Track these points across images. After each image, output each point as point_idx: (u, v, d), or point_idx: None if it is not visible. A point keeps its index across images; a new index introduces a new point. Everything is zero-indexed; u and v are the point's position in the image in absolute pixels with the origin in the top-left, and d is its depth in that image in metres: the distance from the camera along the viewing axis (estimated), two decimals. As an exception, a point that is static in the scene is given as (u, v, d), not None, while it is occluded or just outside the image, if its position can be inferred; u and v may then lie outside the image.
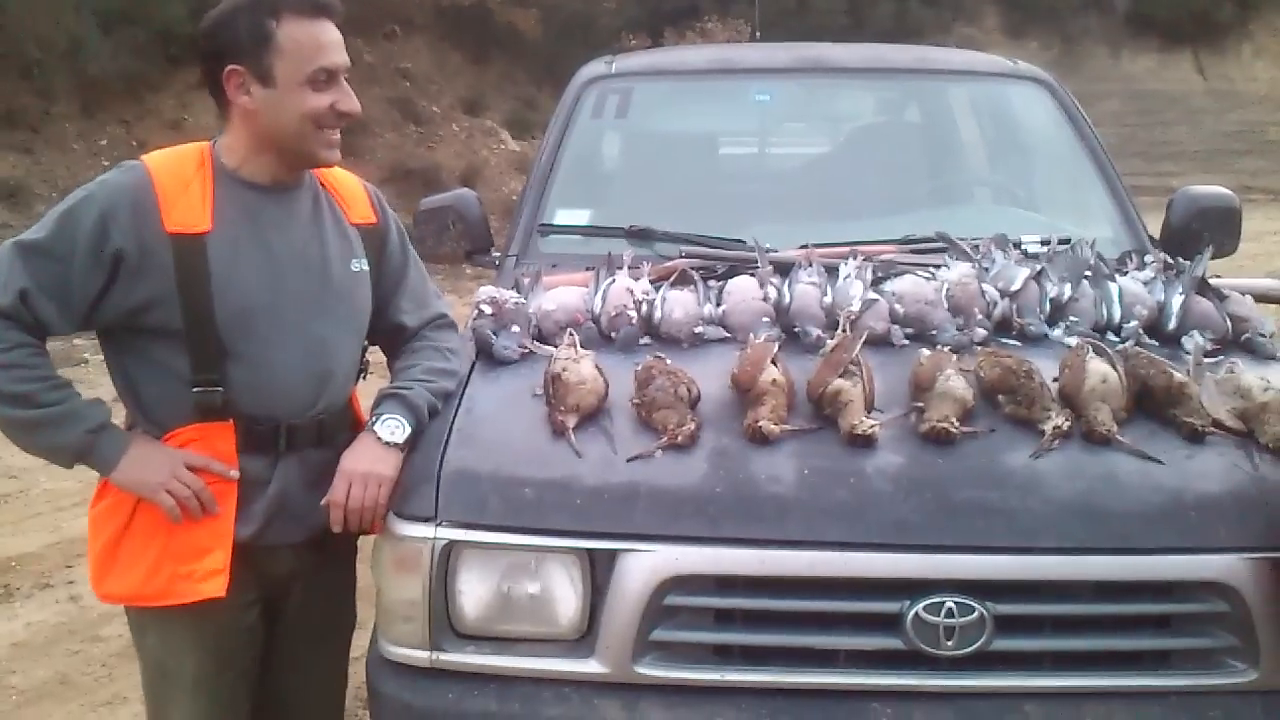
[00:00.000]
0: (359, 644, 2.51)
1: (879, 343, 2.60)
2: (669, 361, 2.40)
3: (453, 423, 2.35)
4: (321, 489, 2.26)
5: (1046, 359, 2.43)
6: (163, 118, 11.45)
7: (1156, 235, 3.45)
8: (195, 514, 2.16)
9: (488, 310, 2.71)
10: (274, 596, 2.37)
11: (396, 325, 2.49)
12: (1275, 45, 23.97)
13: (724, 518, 2.12)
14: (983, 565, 2.07)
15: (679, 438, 2.20)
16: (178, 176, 2.17)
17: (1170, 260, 2.98)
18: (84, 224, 2.09)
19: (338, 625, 2.53)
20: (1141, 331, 2.68)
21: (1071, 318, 2.71)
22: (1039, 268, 2.81)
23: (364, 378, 2.47)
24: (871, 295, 2.71)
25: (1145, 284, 2.84)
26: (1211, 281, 2.84)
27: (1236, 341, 2.70)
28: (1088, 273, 2.82)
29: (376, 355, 2.54)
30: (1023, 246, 3.03)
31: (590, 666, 2.13)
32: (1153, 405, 2.31)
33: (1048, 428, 2.21)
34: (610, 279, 2.85)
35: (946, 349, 2.48)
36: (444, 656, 2.17)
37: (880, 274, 2.84)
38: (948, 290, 2.73)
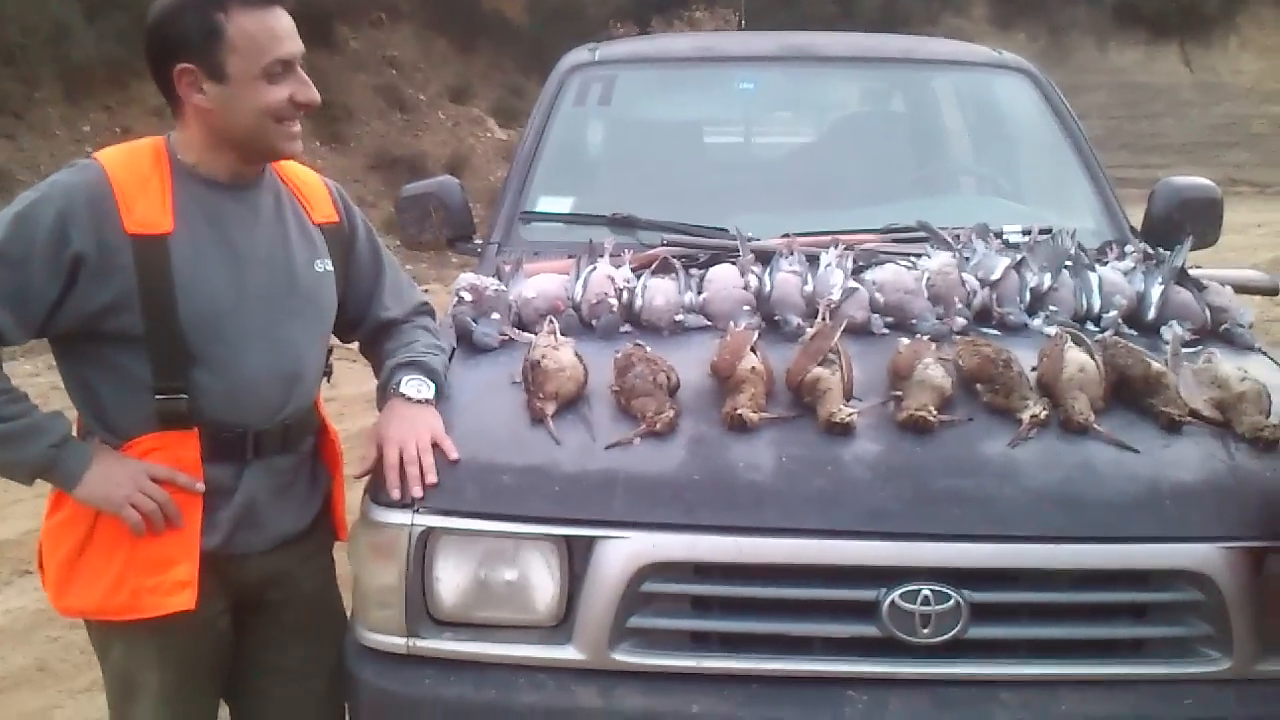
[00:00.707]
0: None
1: (859, 331, 2.60)
2: (649, 349, 2.40)
3: (432, 409, 2.34)
4: (288, 495, 2.24)
5: (1025, 348, 2.44)
6: (146, 104, 11.36)
7: (1140, 226, 3.46)
8: (159, 528, 2.08)
9: (468, 297, 2.71)
10: (246, 603, 2.30)
11: (384, 322, 2.46)
12: (1261, 38, 24.00)
13: (702, 505, 2.12)
14: (959, 553, 2.08)
15: (658, 425, 2.20)
16: (135, 174, 2.07)
17: (1150, 250, 2.99)
18: (40, 226, 1.98)
19: (325, 624, 2.42)
20: (1120, 321, 2.69)
21: (1051, 307, 2.73)
22: (1019, 257, 2.82)
23: (329, 380, 2.40)
24: (852, 284, 2.71)
25: (1125, 274, 2.85)
26: (1191, 272, 2.85)
27: (1215, 332, 2.71)
28: (1068, 262, 2.83)
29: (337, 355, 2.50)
30: (1004, 236, 3.03)
31: (567, 653, 2.13)
32: (1131, 395, 2.32)
33: (1025, 416, 2.22)
34: (591, 267, 2.84)
35: (926, 338, 2.48)
36: (421, 643, 2.17)
37: (861, 263, 2.84)
38: (928, 279, 2.74)
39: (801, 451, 2.19)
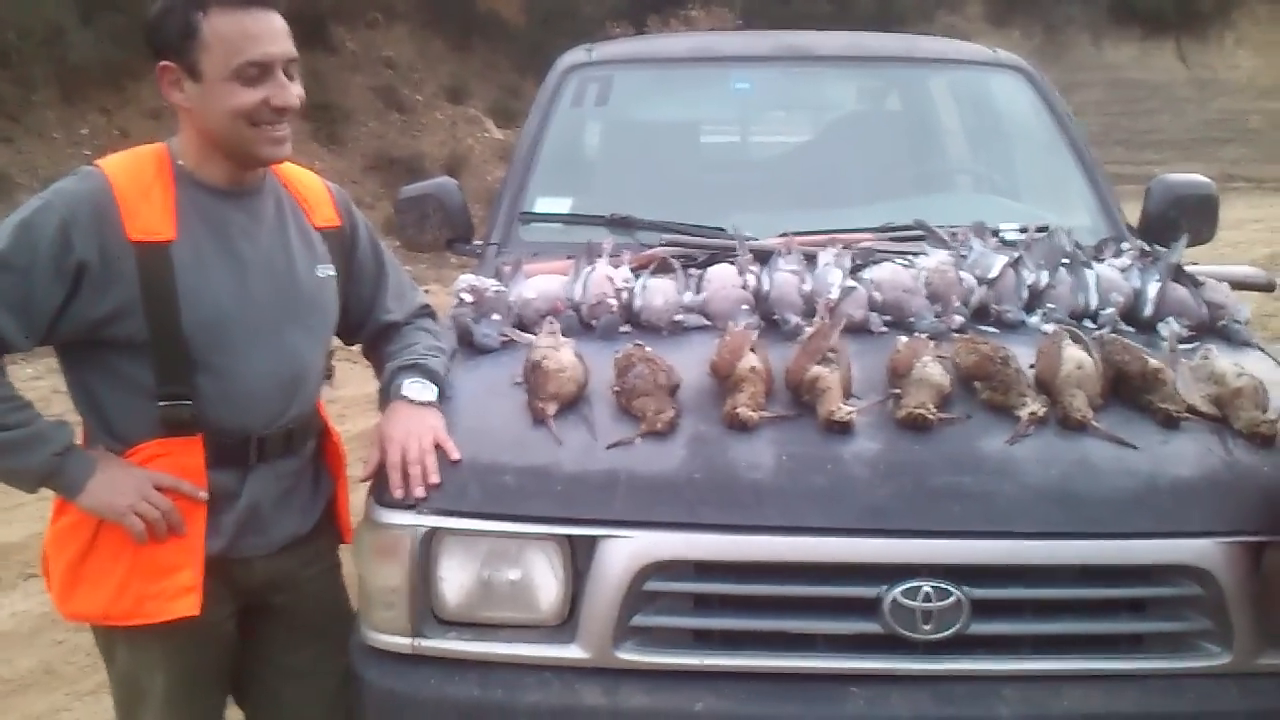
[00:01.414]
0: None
1: (857, 330, 2.61)
2: (649, 349, 2.41)
3: (434, 410, 2.35)
4: (291, 498, 2.25)
5: (1023, 346, 2.45)
6: (143, 106, 11.37)
7: (1136, 223, 3.47)
8: (162, 537, 2.08)
9: (468, 299, 2.71)
10: (252, 606, 2.30)
11: (386, 325, 2.47)
12: (1257, 34, 24.00)
13: (703, 504, 2.13)
14: (959, 550, 2.09)
15: (658, 425, 2.21)
16: (137, 182, 2.08)
17: (1147, 247, 3.00)
18: (44, 234, 1.98)
19: (334, 625, 2.41)
20: (1118, 318, 2.70)
21: (1048, 305, 2.73)
22: (1016, 255, 2.83)
23: (330, 383, 2.41)
24: (850, 283, 2.72)
25: (1122, 271, 2.86)
26: (1188, 268, 2.86)
27: (1212, 328, 2.72)
28: (1065, 260, 2.84)
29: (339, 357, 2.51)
30: (1001, 234, 3.04)
31: (571, 652, 2.14)
32: (1128, 391, 2.33)
33: (1023, 414, 2.23)
34: (590, 267, 2.85)
35: (924, 336, 2.50)
36: (425, 643, 2.18)
37: (859, 262, 2.85)
38: (926, 278, 2.75)
39: (801, 450, 2.20)
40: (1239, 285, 3.01)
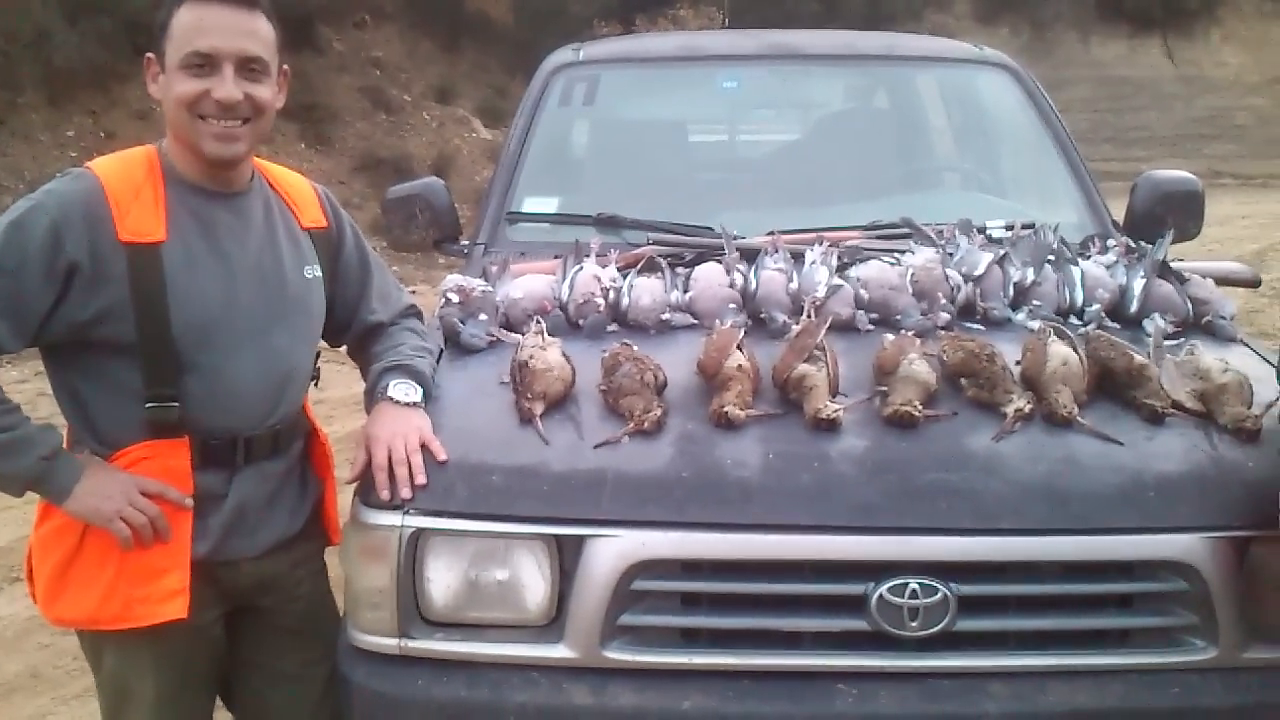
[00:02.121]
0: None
1: (844, 328, 2.62)
2: (636, 348, 2.41)
3: (420, 411, 2.34)
4: (279, 499, 2.25)
5: (1009, 343, 2.45)
6: (130, 108, 11.34)
7: (1123, 220, 3.48)
8: (148, 543, 2.08)
9: (455, 299, 2.72)
10: (240, 608, 2.30)
11: (371, 326, 2.47)
12: (1244, 30, 24.10)
13: (690, 502, 2.13)
14: (946, 547, 2.10)
15: (645, 424, 2.21)
16: (128, 183, 2.08)
17: (1132, 244, 3.01)
18: (34, 235, 1.99)
19: (321, 627, 2.41)
20: (1103, 315, 2.72)
21: (1034, 302, 2.74)
22: (1002, 253, 2.84)
23: (316, 384, 2.41)
24: (837, 281, 2.73)
25: (1107, 268, 2.87)
26: (1173, 265, 2.87)
27: (1197, 324, 2.74)
28: (1050, 257, 2.85)
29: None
30: (987, 231, 3.05)
31: (559, 651, 2.14)
32: (1114, 387, 2.34)
33: (1009, 410, 2.23)
34: (578, 266, 2.86)
35: (910, 333, 2.50)
36: (413, 644, 2.18)
37: (846, 260, 2.86)
38: (912, 275, 2.75)
39: (788, 448, 2.20)
40: (1225, 281, 3.02)
